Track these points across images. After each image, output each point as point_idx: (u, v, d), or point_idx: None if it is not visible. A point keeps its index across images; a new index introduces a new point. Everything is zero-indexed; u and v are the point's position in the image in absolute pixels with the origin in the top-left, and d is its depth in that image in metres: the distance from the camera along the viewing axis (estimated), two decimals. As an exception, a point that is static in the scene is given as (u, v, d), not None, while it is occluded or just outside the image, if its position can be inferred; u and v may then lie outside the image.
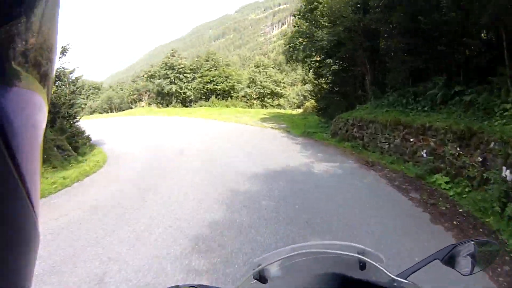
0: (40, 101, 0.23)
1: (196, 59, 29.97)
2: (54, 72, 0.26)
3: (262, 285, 0.78)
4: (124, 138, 11.77)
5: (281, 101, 27.67)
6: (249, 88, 27.66)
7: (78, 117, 9.67)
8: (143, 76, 31.75)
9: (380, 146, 7.36)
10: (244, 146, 8.95)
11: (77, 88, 11.28)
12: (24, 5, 0.20)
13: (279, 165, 6.49)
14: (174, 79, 27.19)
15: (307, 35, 11.73)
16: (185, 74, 27.59)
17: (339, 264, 0.79)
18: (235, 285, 0.85)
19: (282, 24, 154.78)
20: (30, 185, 0.22)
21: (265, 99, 27.34)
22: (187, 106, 26.87)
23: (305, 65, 14.43)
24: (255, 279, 0.78)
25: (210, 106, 25.14)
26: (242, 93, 27.86)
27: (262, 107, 26.12)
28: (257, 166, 6.40)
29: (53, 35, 0.24)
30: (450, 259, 0.80)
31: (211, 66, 27.83)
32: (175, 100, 27.41)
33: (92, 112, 29.48)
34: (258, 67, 28.56)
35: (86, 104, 32.54)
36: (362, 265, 0.77)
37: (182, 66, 27.71)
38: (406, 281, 0.75)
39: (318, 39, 10.08)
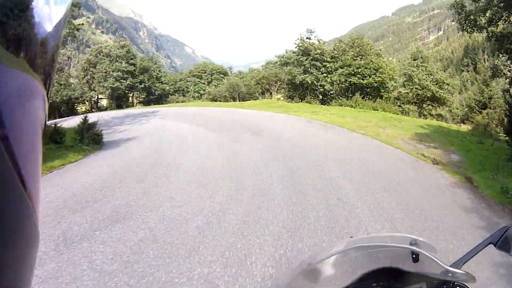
0: (41, 100, 0.23)
1: (337, 43, 23.19)
2: (55, 70, 0.26)
3: (312, 284, 0.78)
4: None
5: (441, 110, 21.29)
6: (404, 87, 21.20)
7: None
8: (276, 63, 27.78)
9: None
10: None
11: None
12: (26, 3, 0.20)
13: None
14: (310, 67, 21.08)
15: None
16: (324, 63, 21.20)
17: (392, 257, 0.78)
18: (285, 284, 0.82)
19: (438, 29, 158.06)
20: (30, 185, 0.22)
21: (423, 105, 20.74)
22: (324, 103, 20.87)
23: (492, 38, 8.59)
24: (305, 278, 0.77)
25: (352, 107, 18.53)
26: (395, 94, 21.60)
27: (419, 116, 19.79)
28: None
29: (54, 33, 0.24)
30: (504, 243, 0.72)
31: (356, 54, 20.86)
32: (310, 94, 21.53)
33: (213, 99, 26.79)
34: (415, 59, 21.72)
35: (204, 90, 31.51)
36: (415, 257, 0.72)
37: (320, 51, 21.21)
38: (460, 271, 0.70)
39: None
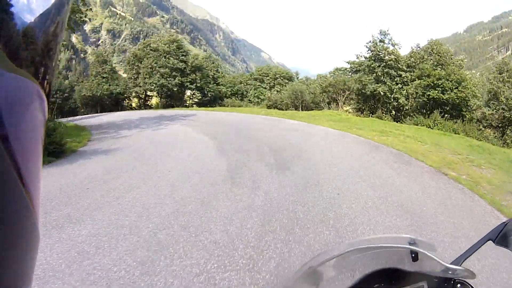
0: (41, 99, 0.23)
1: (414, 49, 20.20)
2: (55, 70, 0.26)
3: (313, 287, 0.78)
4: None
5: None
6: (489, 107, 17.65)
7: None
8: (346, 69, 24.42)
9: None
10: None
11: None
12: (25, 4, 0.20)
13: None
14: (382, 76, 18.02)
15: None
16: (399, 72, 18.23)
17: (391, 258, 0.78)
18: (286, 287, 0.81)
19: (506, 49, 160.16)
20: (30, 185, 0.22)
21: (507, 130, 16.59)
22: (397, 120, 17.85)
23: None
24: (306, 281, 0.77)
25: (429, 127, 15.33)
26: (478, 114, 17.94)
27: (503, 144, 15.43)
28: None
29: (55, 32, 0.24)
30: (503, 239, 0.72)
31: (436, 63, 18.07)
32: (382, 108, 18.47)
33: (272, 106, 23.99)
34: (501, 73, 18.19)
35: (264, 95, 28.67)
36: (415, 256, 0.73)
37: (395, 57, 18.24)
38: (460, 267, 0.70)
39: None
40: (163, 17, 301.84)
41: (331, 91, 22.16)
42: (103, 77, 26.01)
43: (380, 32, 18.62)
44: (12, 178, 0.20)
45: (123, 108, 26.48)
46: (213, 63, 31.04)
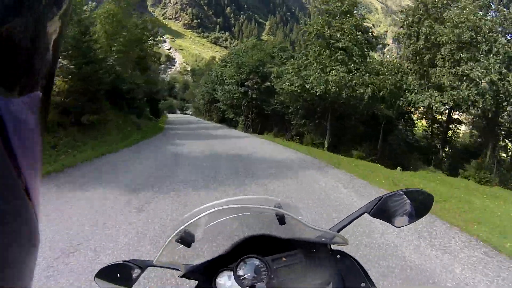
0: (41, 98, 0.23)
1: None
2: (56, 69, 0.26)
3: (187, 249, 0.76)
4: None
5: None
6: None
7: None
8: None
9: None
10: None
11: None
12: (25, 5, 0.20)
13: None
14: None
15: None
16: None
17: (259, 221, 0.80)
18: (161, 247, 0.76)
19: None
20: (30, 185, 0.22)
21: None
22: None
23: None
24: (178, 242, 0.75)
25: None
26: None
27: None
28: None
29: (54, 33, 0.23)
30: (379, 211, 0.76)
31: None
32: None
33: None
34: None
35: None
36: (281, 219, 0.75)
37: None
38: (333, 232, 0.74)
39: None
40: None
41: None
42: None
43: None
44: (12, 178, 0.20)
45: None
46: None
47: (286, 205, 0.75)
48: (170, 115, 40.65)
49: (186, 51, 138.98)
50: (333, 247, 0.77)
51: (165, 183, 5.29)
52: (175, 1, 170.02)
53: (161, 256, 0.75)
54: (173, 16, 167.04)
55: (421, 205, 0.76)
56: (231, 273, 0.73)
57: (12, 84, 0.19)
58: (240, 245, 0.77)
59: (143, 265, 0.78)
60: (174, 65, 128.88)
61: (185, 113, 53.67)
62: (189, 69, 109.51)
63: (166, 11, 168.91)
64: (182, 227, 0.74)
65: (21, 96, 0.21)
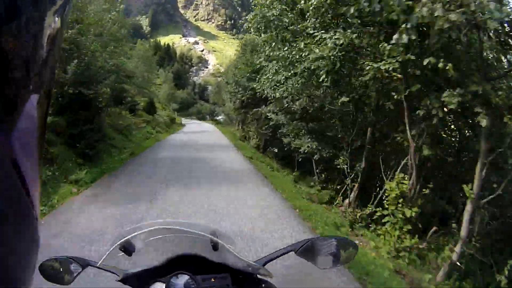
0: (41, 97, 0.23)
1: None
2: (55, 71, 0.26)
3: (127, 257, 0.80)
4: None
5: None
6: None
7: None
8: None
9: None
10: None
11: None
12: (24, 6, 0.19)
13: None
14: None
15: None
16: None
17: (195, 243, 0.83)
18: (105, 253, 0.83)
19: None
20: (30, 185, 0.22)
21: None
22: None
23: None
24: (121, 250, 0.79)
25: None
26: None
27: None
28: None
29: (54, 36, 0.23)
30: (306, 252, 0.80)
31: None
32: None
33: None
34: None
35: None
36: (214, 246, 0.79)
37: None
38: (258, 265, 0.78)
39: None
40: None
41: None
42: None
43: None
44: (12, 178, 0.20)
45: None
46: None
47: (221, 235, 0.79)
48: (188, 124, 30.66)
49: (219, 53, 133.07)
50: (259, 276, 0.81)
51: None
52: (207, 2, 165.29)
53: (104, 260, 0.81)
54: (206, 18, 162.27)
55: (345, 252, 0.80)
56: (163, 286, 0.76)
57: (12, 85, 0.19)
58: (174, 261, 0.82)
59: (84, 264, 0.84)
60: (207, 67, 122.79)
61: (215, 120, 40.71)
62: (222, 70, 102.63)
63: (198, 12, 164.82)
64: (127, 237, 0.78)
65: (21, 95, 0.20)
